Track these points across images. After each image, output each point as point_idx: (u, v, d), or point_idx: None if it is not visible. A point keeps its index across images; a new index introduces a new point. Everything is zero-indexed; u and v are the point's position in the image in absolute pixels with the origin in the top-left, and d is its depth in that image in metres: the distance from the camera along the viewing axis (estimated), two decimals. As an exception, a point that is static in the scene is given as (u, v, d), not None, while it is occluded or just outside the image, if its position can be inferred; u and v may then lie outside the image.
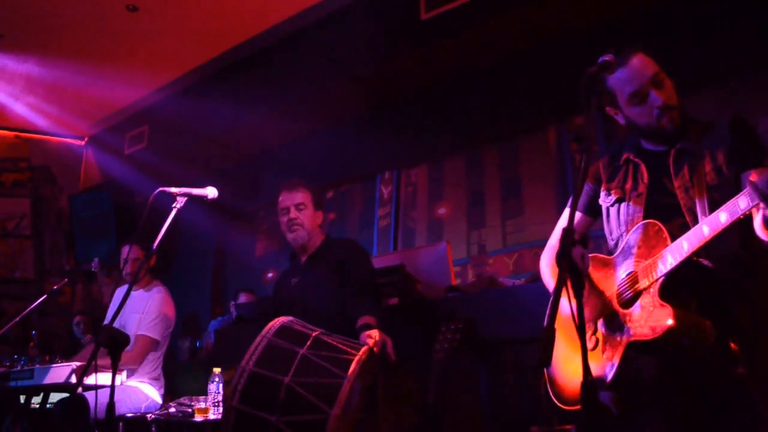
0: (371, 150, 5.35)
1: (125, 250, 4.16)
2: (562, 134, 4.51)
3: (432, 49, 4.48)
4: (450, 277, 3.44)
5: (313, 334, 2.46)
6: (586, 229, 2.26)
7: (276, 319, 2.55)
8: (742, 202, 1.58)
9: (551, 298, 1.50)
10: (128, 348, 3.75)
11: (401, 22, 4.55)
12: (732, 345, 1.72)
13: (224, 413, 2.33)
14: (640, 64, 1.98)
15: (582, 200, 2.23)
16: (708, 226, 1.65)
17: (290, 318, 2.60)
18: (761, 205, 1.53)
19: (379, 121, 5.27)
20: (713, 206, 1.73)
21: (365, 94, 5.04)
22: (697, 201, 1.82)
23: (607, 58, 1.76)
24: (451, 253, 3.56)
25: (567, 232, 1.57)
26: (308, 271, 3.16)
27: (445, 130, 4.99)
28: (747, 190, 1.55)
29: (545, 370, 2.09)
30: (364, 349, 2.45)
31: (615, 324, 1.85)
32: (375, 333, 2.59)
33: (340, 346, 2.44)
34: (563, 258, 1.51)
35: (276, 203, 3.25)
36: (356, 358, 2.35)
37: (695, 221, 1.80)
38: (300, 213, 3.15)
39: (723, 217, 1.62)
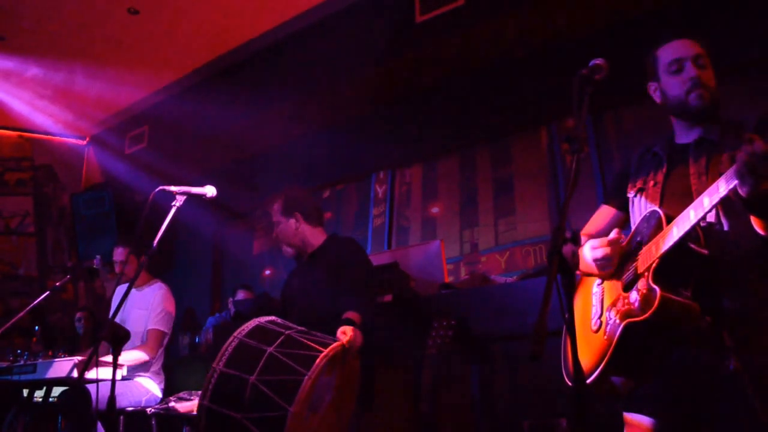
0: (367, 150, 5.39)
1: (116, 251, 4.22)
2: (553, 135, 4.57)
3: (426, 51, 4.53)
4: (443, 274, 3.47)
5: (286, 333, 2.46)
6: (619, 223, 2.26)
7: (253, 320, 2.56)
8: (721, 186, 1.60)
9: (545, 290, 1.50)
10: (142, 342, 3.87)
11: (397, 25, 4.60)
12: (725, 337, 1.74)
13: (197, 412, 2.36)
14: (687, 42, 2.04)
15: (615, 195, 2.26)
16: (694, 210, 1.68)
17: (270, 318, 2.61)
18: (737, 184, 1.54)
19: (374, 122, 5.32)
20: None
21: (362, 95, 5.09)
22: (708, 187, 1.79)
23: (598, 61, 1.79)
24: (445, 251, 3.60)
25: (557, 230, 1.59)
26: (308, 271, 3.17)
27: (439, 130, 5.04)
28: (728, 172, 1.57)
29: (562, 350, 2.11)
30: (333, 345, 2.43)
31: (617, 307, 1.88)
32: (348, 329, 2.57)
33: (310, 343, 2.42)
34: (554, 255, 1.53)
35: None
36: (321, 356, 2.34)
37: None
38: (277, 230, 3.20)
39: (706, 201, 1.64)
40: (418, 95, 5.05)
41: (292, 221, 3.17)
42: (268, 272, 6.04)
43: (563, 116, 4.49)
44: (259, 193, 6.04)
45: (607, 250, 1.95)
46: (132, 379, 3.85)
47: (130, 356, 3.77)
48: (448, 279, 3.59)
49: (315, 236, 3.21)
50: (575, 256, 1.77)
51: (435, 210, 5.06)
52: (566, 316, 1.57)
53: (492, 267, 4.52)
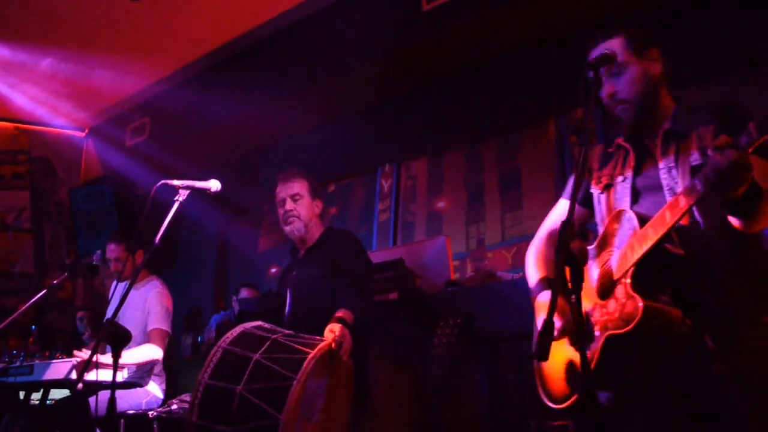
0: (372, 143, 5.34)
1: (109, 248, 4.14)
2: (561, 127, 4.48)
3: (432, 41, 4.45)
4: (449, 271, 3.45)
5: (272, 337, 2.41)
6: (582, 221, 2.22)
7: (239, 326, 2.51)
8: (681, 201, 1.60)
9: (551, 291, 1.49)
10: (149, 342, 3.79)
11: (402, 14, 4.52)
12: (708, 341, 1.69)
13: (186, 429, 2.29)
14: (600, 48, 1.95)
15: (576, 190, 2.19)
16: (669, 210, 1.64)
17: (256, 323, 2.55)
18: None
19: (380, 114, 5.25)
20: None
21: (367, 86, 4.99)
22: (680, 181, 1.79)
23: (604, 51, 1.79)
24: (451, 248, 3.56)
25: (566, 224, 1.55)
26: (305, 265, 3.10)
27: (445, 122, 4.97)
28: (689, 185, 1.59)
29: (535, 366, 2.06)
30: (320, 346, 2.37)
31: (595, 317, 1.82)
32: (336, 328, 2.49)
33: (297, 346, 2.37)
34: (562, 251, 1.50)
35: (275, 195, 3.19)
36: (309, 357, 2.28)
37: None
38: (296, 204, 3.07)
39: (682, 201, 1.61)
40: (424, 86, 4.98)
41: (318, 202, 3.16)
42: (274, 270, 5.95)
43: (572, 107, 4.38)
44: (264, 188, 5.94)
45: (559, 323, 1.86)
46: (144, 386, 3.76)
47: (139, 353, 3.69)
48: (454, 276, 3.58)
49: (317, 229, 3.16)
50: (583, 252, 1.68)
51: (441, 204, 4.98)
52: (576, 311, 1.52)
53: (498, 263, 4.44)
